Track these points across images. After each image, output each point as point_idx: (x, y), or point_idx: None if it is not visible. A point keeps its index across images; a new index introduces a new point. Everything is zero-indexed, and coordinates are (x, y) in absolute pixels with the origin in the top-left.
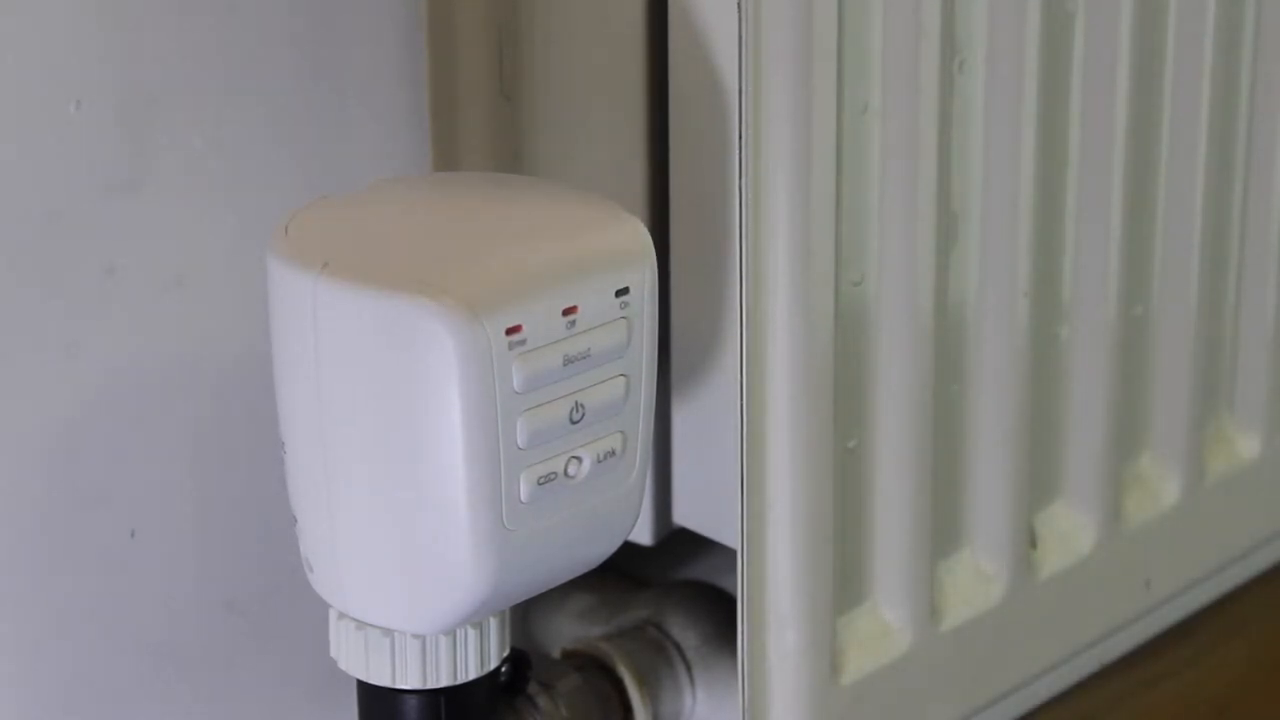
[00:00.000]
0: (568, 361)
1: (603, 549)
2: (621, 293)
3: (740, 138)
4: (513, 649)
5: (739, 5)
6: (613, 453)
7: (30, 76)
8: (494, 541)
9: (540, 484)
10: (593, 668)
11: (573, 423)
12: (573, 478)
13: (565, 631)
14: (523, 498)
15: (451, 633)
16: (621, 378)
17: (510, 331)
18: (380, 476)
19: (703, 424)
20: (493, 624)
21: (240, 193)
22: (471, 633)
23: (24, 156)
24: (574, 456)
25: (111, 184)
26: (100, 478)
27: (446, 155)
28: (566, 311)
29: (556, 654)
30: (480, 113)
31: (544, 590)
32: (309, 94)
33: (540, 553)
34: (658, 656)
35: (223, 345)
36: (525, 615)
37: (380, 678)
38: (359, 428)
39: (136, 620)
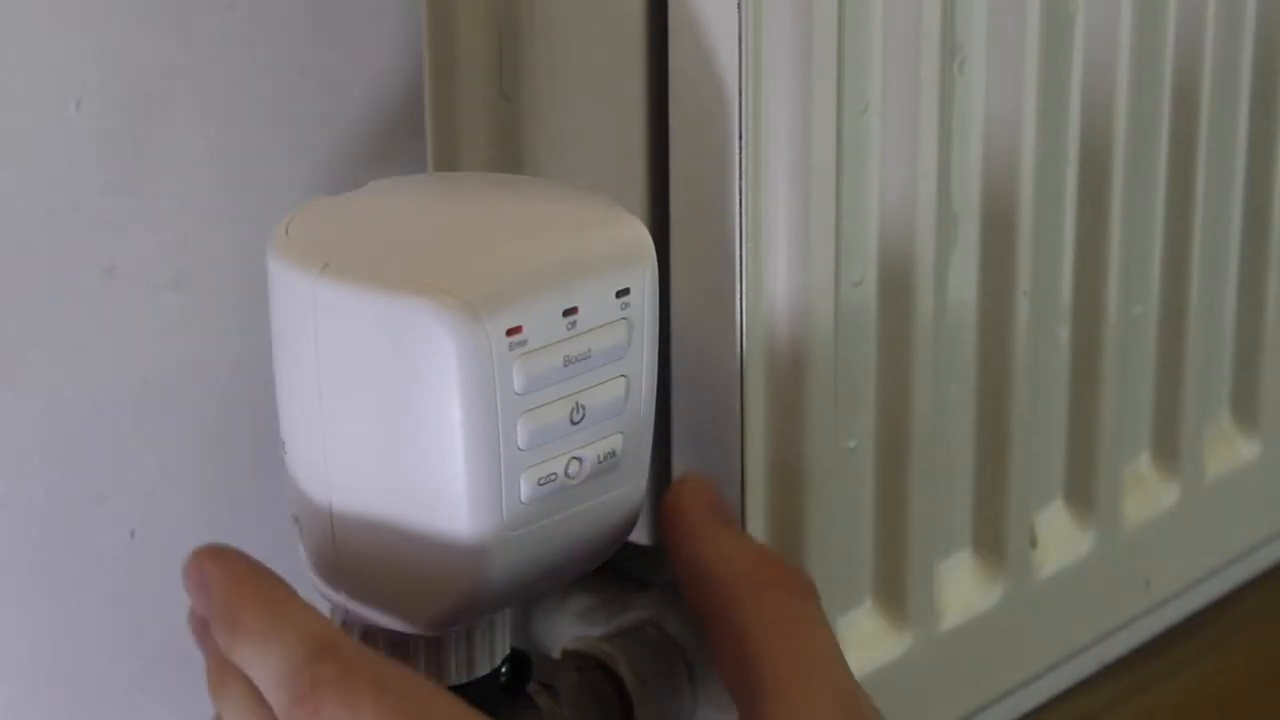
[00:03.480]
0: (568, 362)
1: (603, 549)
2: (622, 293)
3: (740, 137)
4: (513, 649)
5: (739, 5)
6: (613, 453)
7: (30, 76)
8: (494, 542)
9: (540, 485)
10: (593, 668)
11: (573, 423)
12: (573, 478)
13: (565, 631)
14: (523, 498)
15: (451, 633)
16: (622, 378)
17: (511, 332)
18: (381, 477)
19: (703, 424)
20: (493, 624)
21: (240, 193)
22: (472, 633)
23: (24, 156)
24: (574, 457)
25: (111, 184)
26: (100, 478)
27: (446, 155)
28: (567, 312)
29: (556, 654)
30: (480, 113)
31: (545, 590)
32: (309, 94)
33: (540, 553)
34: (658, 656)
35: (223, 345)
36: (525, 615)
37: None
38: (360, 428)
39: (136, 620)
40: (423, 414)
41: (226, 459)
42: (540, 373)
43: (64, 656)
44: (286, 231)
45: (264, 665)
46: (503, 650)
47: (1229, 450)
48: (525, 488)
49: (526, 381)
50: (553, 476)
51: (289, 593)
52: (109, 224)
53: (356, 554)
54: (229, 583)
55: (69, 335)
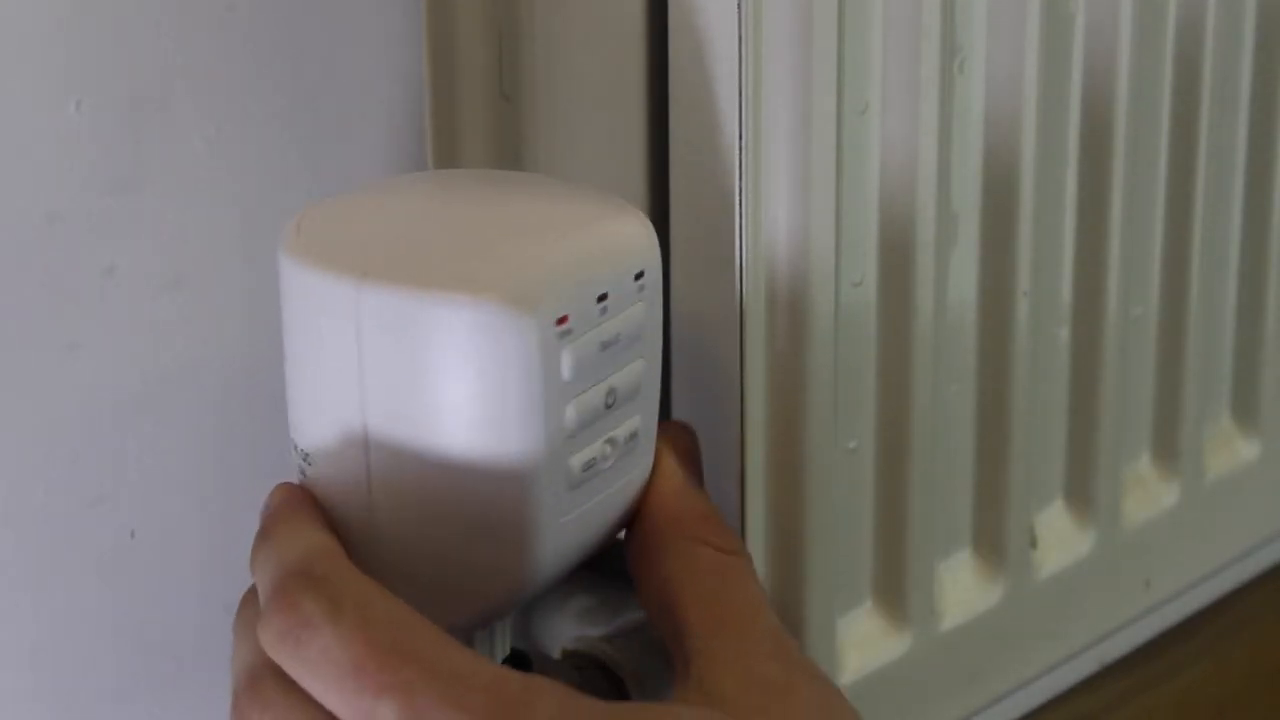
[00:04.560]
0: (604, 347)
1: (617, 529)
2: (639, 276)
3: (740, 137)
4: (513, 649)
5: (739, 5)
6: (635, 434)
7: (30, 76)
8: (549, 532)
9: (585, 470)
10: (593, 668)
11: (607, 407)
12: (606, 461)
13: (565, 631)
14: (571, 485)
15: (450, 633)
16: (641, 360)
17: (559, 321)
18: (432, 480)
19: (702, 423)
20: (493, 624)
21: (240, 193)
22: (472, 633)
23: (24, 156)
24: (608, 440)
25: (111, 184)
26: (100, 478)
27: (446, 155)
28: (600, 298)
29: (556, 654)
30: (480, 112)
31: (564, 576)
32: (309, 94)
33: (577, 537)
34: (658, 657)
35: (223, 345)
36: (525, 615)
37: None
38: (411, 435)
39: (136, 620)
40: (479, 413)
41: (226, 459)
42: (584, 359)
43: (64, 656)
44: (299, 233)
45: (268, 568)
46: (503, 650)
47: (1229, 450)
48: (572, 474)
49: (573, 369)
50: (593, 460)
51: (321, 520)
52: (109, 224)
53: (401, 561)
54: (273, 509)
55: (69, 335)
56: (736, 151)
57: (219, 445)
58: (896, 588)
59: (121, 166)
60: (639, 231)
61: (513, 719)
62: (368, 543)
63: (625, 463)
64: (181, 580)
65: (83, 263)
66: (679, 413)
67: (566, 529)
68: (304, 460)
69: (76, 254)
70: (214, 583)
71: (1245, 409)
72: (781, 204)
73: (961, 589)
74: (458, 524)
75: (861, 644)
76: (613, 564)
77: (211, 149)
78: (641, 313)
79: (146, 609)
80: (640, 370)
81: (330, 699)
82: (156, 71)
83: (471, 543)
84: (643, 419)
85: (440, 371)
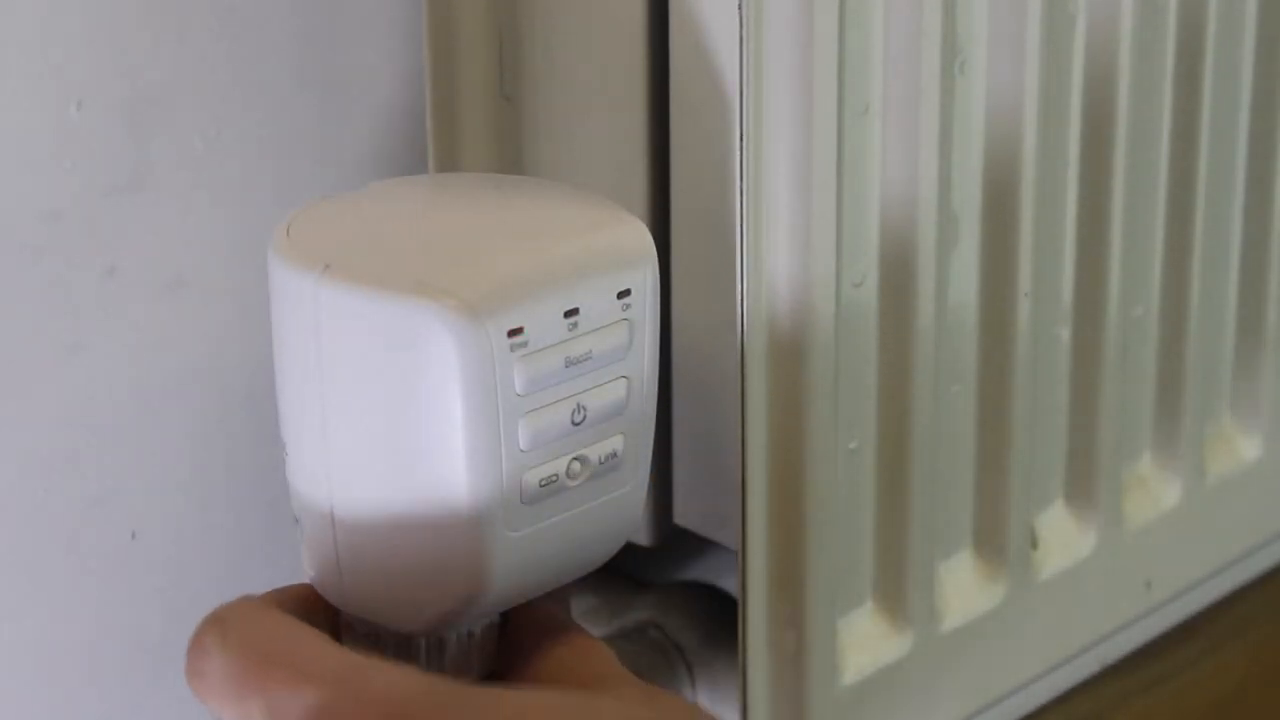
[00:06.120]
0: (569, 363)
1: (604, 551)
2: (623, 294)
3: (741, 138)
4: None
5: (740, 6)
6: (614, 454)
7: (31, 77)
8: (496, 543)
9: (542, 486)
10: None
11: (574, 424)
12: (574, 479)
13: None
14: (524, 499)
15: (453, 633)
16: (623, 379)
17: (512, 333)
18: (382, 478)
19: (703, 424)
20: (495, 624)
21: (241, 193)
22: (474, 632)
23: (24, 157)
24: (575, 458)
25: (112, 184)
26: (100, 478)
27: (446, 155)
28: (568, 313)
29: None
30: (480, 113)
31: (545, 591)
32: (309, 94)
33: (541, 554)
34: (659, 657)
35: (223, 346)
36: None
37: None
38: (361, 429)
39: (136, 620)
40: (424, 415)
41: (227, 459)
42: (541, 374)
43: (64, 656)
44: (288, 233)
45: None
46: (481, 663)
47: (1229, 450)
48: (527, 489)
49: (527, 382)
50: (554, 478)
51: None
52: (109, 224)
53: (358, 555)
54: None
55: (69, 335)
56: (737, 152)
57: (219, 445)
58: (897, 588)
59: (121, 166)
60: (631, 249)
61: (350, 687)
62: (329, 531)
63: (604, 482)
64: (181, 580)
65: (83, 263)
66: (681, 413)
67: (523, 543)
68: (283, 449)
69: (76, 254)
70: (214, 583)
71: (1246, 409)
72: (782, 204)
73: (962, 590)
74: (407, 525)
75: (862, 645)
76: (613, 566)
77: (211, 149)
78: (624, 332)
79: (147, 610)
80: (620, 390)
81: (221, 711)
82: (156, 71)
83: (420, 545)
84: (627, 439)
85: (386, 371)
